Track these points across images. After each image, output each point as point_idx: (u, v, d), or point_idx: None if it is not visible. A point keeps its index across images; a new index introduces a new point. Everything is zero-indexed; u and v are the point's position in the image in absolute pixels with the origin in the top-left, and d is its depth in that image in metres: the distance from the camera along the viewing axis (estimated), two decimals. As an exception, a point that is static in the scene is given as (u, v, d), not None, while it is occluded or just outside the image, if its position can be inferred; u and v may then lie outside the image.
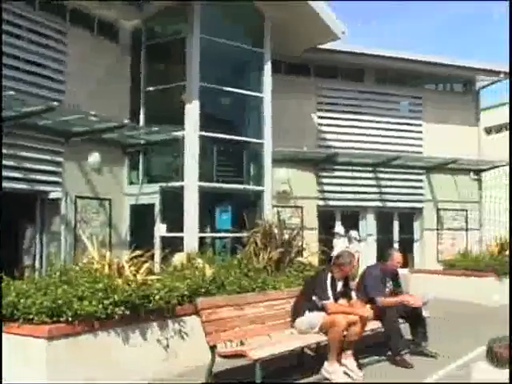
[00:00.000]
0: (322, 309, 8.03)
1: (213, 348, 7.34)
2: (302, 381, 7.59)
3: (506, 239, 17.93)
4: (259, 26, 16.51)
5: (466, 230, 22.01)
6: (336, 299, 8.20)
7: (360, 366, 8.24)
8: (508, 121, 31.95)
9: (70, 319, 6.82)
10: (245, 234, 12.67)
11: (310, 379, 7.69)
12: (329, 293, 8.10)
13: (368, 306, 8.74)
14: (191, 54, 15.29)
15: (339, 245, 16.00)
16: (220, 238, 16.24)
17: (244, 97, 16.70)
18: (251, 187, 16.57)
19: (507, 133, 32.08)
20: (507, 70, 22.10)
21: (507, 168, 22.29)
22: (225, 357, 7.41)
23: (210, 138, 15.61)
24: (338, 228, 18.37)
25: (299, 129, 18.95)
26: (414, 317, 9.31)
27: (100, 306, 7.07)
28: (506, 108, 32.00)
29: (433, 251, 21.23)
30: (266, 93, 16.51)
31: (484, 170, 22.58)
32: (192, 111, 15.21)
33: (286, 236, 12.13)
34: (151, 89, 16.05)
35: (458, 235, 21.77)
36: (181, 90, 15.57)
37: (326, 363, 7.80)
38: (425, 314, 9.53)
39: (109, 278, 7.60)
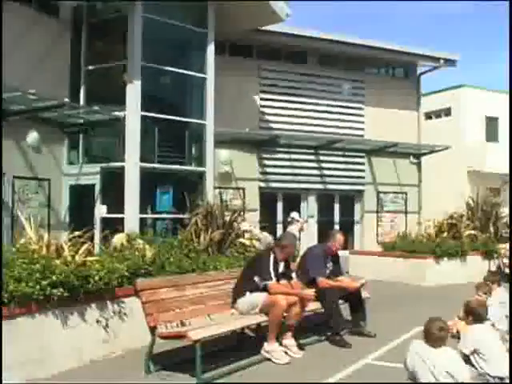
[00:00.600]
0: (264, 289, 8.04)
1: (153, 329, 7.29)
2: (243, 361, 7.61)
3: (444, 222, 18.32)
4: (203, 6, 16.33)
5: (406, 212, 22.40)
6: (278, 280, 8.23)
7: (300, 346, 8.32)
8: (448, 106, 32.63)
9: (5, 301, 6.67)
10: (186, 216, 12.59)
11: (250, 359, 7.71)
12: (271, 273, 8.11)
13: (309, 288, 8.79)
14: (133, 33, 15.01)
15: (293, 231, 16.07)
16: (161, 219, 16.10)
17: (186, 77, 16.51)
18: (193, 168, 16.48)
19: (446, 118, 32.70)
20: (447, 56, 22.54)
21: (446, 152, 22.72)
22: (165, 338, 7.38)
23: (151, 118, 15.43)
24: (294, 214, 18.50)
25: (242, 110, 18.91)
26: (354, 297, 9.44)
27: (37, 287, 6.92)
28: (446, 94, 32.61)
29: (372, 233, 21.54)
30: (208, 73, 16.35)
31: (423, 154, 22.95)
32: (133, 91, 14.97)
33: (228, 217, 12.13)
34: (92, 67, 15.72)
35: (397, 218, 22.15)
36: (122, 70, 15.31)
37: (266, 343, 7.84)
38: (364, 294, 9.67)
39: (46, 259, 7.45)
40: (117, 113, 14.94)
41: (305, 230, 18.24)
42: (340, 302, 9.23)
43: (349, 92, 21.74)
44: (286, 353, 7.92)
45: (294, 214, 18.38)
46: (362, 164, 21.65)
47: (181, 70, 16.11)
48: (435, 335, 5.92)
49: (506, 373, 6.81)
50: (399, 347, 8.19)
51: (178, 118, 16.12)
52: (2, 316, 6.58)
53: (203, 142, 16.44)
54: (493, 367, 6.68)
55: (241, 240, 11.99)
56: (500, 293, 9.96)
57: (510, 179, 19.89)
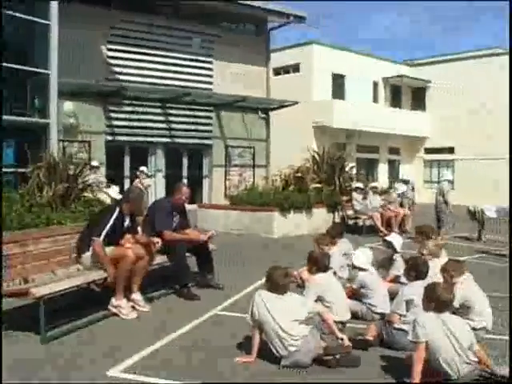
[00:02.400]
0: (109, 243, 7.82)
1: (-5, 287, 6.92)
2: (89, 317, 7.42)
3: (291, 175, 18.74)
4: None
5: (254, 166, 22.71)
6: (123, 234, 8.03)
7: (148, 300, 8.23)
8: (297, 62, 33.18)
9: None
10: (28, 169, 12.06)
11: (98, 315, 7.54)
12: (106, 228, 7.80)
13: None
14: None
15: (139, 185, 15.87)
16: (2, 173, 15.32)
17: (29, 23, 15.60)
18: (36, 120, 15.72)
19: (295, 74, 33.29)
20: (297, 13, 22.81)
21: (294, 107, 23.12)
22: (9, 296, 7.02)
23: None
24: (142, 168, 18.22)
25: (88, 60, 18.27)
26: (201, 250, 9.42)
27: None
28: (295, 50, 33.15)
29: (221, 187, 21.72)
30: (52, 20, 15.50)
31: (272, 109, 23.27)
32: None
33: (72, 171, 11.72)
34: None
35: (245, 172, 22.42)
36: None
37: (113, 298, 7.68)
38: (211, 247, 9.69)
39: None
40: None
41: (146, 185, 17.93)
42: (187, 254, 9.18)
43: (199, 45, 21.53)
44: (133, 307, 7.81)
45: (143, 168, 18.16)
46: (211, 118, 21.65)
47: (22, 15, 15.20)
48: (278, 283, 6.03)
49: (346, 317, 7.11)
50: (246, 297, 8.30)
51: (19, 67, 15.25)
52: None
53: (47, 92, 15.68)
54: (334, 312, 6.94)
55: (86, 194, 11.65)
56: (342, 243, 10.34)
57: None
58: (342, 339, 6.11)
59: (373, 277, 8.03)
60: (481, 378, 5.54)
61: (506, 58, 34.60)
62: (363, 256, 8.23)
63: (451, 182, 16.55)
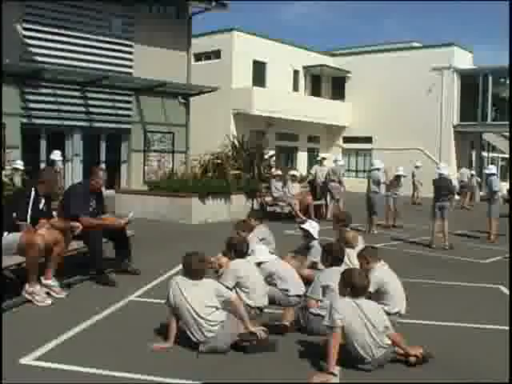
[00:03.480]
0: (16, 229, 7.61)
1: None
2: (3, 304, 7.22)
3: (210, 162, 18.74)
4: None
5: (173, 152, 22.56)
6: (37, 218, 7.84)
7: (63, 286, 8.08)
8: (218, 48, 33.09)
9: None
10: None
11: (11, 302, 7.34)
12: (28, 212, 7.66)
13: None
14: None
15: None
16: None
17: None
18: None
19: (216, 60, 33.20)
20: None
21: (215, 93, 23.04)
22: None
23: None
24: (55, 152, 17.87)
25: (3, 40, 17.62)
26: (118, 235, 9.32)
27: None
28: (216, 36, 33.04)
29: (139, 172, 21.48)
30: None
31: (192, 95, 23.14)
32: None
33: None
34: None
35: (164, 157, 22.25)
36: None
37: (26, 285, 7.50)
38: (129, 232, 9.60)
39: None
40: None
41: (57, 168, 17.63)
42: (104, 240, 9.06)
43: (119, 28, 21.13)
44: (48, 293, 7.65)
45: (55, 154, 17.90)
46: (130, 102, 21.35)
47: None
48: (194, 268, 6.04)
49: (264, 303, 7.18)
50: (163, 283, 8.28)
51: None
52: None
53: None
54: (252, 298, 7.02)
55: None
56: (261, 229, 10.43)
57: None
58: (251, 333, 6.05)
59: (277, 264, 8.16)
60: (395, 360, 5.72)
61: (423, 51, 35.69)
62: (264, 249, 8.39)
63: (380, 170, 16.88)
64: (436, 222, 13.97)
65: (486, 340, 6.82)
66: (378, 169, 17.04)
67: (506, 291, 9.31)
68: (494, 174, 15.77)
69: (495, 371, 5.72)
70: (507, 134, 39.00)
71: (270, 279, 7.84)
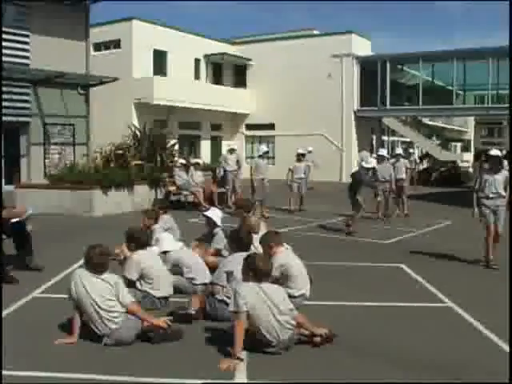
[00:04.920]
0: None
1: None
2: None
3: (112, 153, 18.56)
4: None
5: (74, 144, 22.17)
6: None
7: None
8: (118, 38, 32.63)
9: None
10: None
11: None
12: None
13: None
14: None
15: None
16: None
17: None
18: None
19: (116, 50, 32.76)
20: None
21: (116, 84, 22.75)
22: None
23: None
24: None
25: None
26: (18, 231, 9.14)
27: None
28: (115, 25, 32.60)
29: (40, 166, 21.00)
30: None
31: (92, 86, 22.78)
32: None
33: None
34: None
35: (65, 150, 21.84)
36: None
37: None
38: (28, 228, 9.42)
39: None
40: None
41: None
42: (4, 237, 8.89)
43: (12, 16, 20.48)
44: None
45: None
46: (28, 94, 20.82)
47: None
48: (95, 262, 6.00)
49: (168, 292, 7.25)
50: (66, 278, 8.16)
51: None
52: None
53: None
54: (157, 289, 7.07)
55: None
56: (165, 218, 10.48)
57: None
58: (149, 331, 5.98)
59: (183, 253, 8.25)
60: (300, 341, 5.87)
61: (322, 38, 36.38)
62: (169, 238, 8.47)
63: (269, 158, 17.20)
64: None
65: (390, 318, 7.07)
66: (261, 156, 17.58)
67: (408, 270, 9.71)
68: (384, 157, 16.78)
69: (400, 349, 5.94)
70: (404, 118, 40.51)
71: (176, 268, 7.90)
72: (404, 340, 6.21)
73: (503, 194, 9.95)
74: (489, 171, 10.14)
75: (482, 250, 10.29)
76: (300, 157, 18.54)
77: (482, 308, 7.39)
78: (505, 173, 10.06)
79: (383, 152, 17.32)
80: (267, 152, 17.21)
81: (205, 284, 7.70)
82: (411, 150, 33.68)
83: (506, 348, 5.94)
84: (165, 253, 8.02)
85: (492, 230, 9.99)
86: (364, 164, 14.24)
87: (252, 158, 37.76)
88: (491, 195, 9.93)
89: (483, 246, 10.24)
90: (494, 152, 10.23)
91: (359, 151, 33.03)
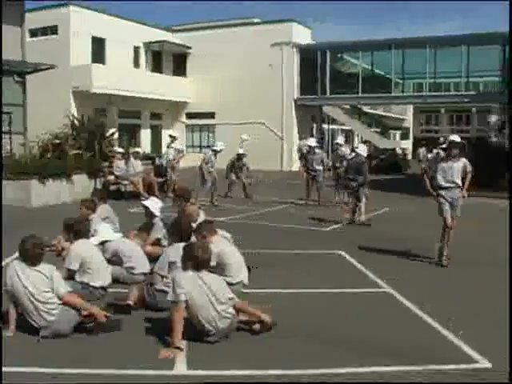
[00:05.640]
0: None
1: None
2: None
3: (49, 142, 18.26)
4: None
5: (10, 133, 21.65)
6: None
7: None
8: (54, 24, 32.02)
9: None
10: None
11: None
12: None
13: None
14: None
15: None
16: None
17: None
18: None
19: (53, 36, 32.15)
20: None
21: (53, 71, 22.31)
22: None
23: None
24: None
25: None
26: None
27: None
28: (52, 11, 31.97)
29: (-25, 156, 20.47)
30: None
31: (28, 73, 22.27)
32: None
33: None
34: None
35: (2, 139, 21.32)
36: None
37: None
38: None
39: None
40: None
41: None
42: None
43: None
44: None
45: None
46: None
47: None
48: (30, 253, 5.90)
49: (106, 282, 7.18)
50: (2, 271, 8.01)
51: None
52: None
53: None
54: (96, 279, 7.00)
55: None
56: (104, 208, 10.36)
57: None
58: (86, 323, 5.94)
59: (122, 243, 8.20)
60: (240, 329, 5.91)
61: (263, 26, 36.44)
62: (108, 228, 8.40)
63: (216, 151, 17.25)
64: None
65: (330, 303, 7.18)
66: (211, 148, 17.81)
67: (346, 255, 9.89)
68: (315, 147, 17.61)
69: (342, 335, 6.02)
70: (346, 106, 40.94)
71: (115, 258, 7.83)
72: (347, 326, 6.31)
73: (459, 183, 9.44)
74: (446, 159, 9.63)
75: (436, 244, 9.79)
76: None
77: (415, 291, 7.57)
78: (463, 160, 9.51)
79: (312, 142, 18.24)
80: (222, 150, 17.17)
81: (144, 273, 7.68)
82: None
83: (444, 332, 6.09)
84: (103, 243, 7.94)
85: (449, 224, 9.47)
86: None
87: (192, 146, 37.82)
88: (445, 184, 9.45)
89: (439, 240, 9.67)
90: (456, 138, 9.71)
91: (300, 139, 33.23)
